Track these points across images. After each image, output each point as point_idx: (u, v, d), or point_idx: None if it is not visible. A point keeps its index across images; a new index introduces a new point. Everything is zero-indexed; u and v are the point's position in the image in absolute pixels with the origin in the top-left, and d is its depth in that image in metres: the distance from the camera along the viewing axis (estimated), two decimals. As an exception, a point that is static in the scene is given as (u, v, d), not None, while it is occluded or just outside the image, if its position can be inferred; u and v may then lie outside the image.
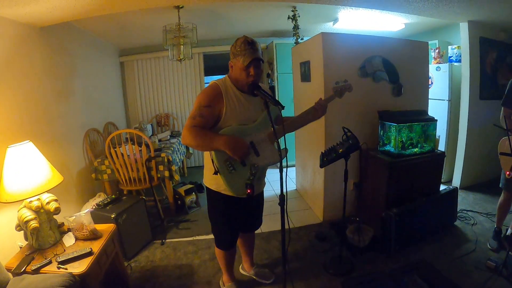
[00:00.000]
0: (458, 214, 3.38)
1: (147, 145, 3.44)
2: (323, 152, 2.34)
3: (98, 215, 2.56)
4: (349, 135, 2.23)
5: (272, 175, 2.70)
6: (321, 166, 2.31)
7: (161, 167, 3.53)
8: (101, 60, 4.58)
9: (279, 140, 1.70)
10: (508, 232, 2.87)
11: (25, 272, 1.71)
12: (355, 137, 2.22)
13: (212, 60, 6.48)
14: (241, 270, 2.59)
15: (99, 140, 4.07)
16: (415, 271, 1.61)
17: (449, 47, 4.42)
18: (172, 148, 3.89)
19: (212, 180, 1.91)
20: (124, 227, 2.68)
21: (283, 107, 1.70)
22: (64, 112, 3.28)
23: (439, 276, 1.56)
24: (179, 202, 3.83)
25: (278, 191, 1.65)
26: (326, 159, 2.27)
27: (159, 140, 4.28)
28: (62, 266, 1.76)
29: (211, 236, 3.11)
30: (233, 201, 1.92)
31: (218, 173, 1.74)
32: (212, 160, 1.74)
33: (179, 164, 4.14)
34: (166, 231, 3.29)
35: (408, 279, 1.56)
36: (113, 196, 2.92)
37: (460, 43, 4.14)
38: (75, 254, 1.84)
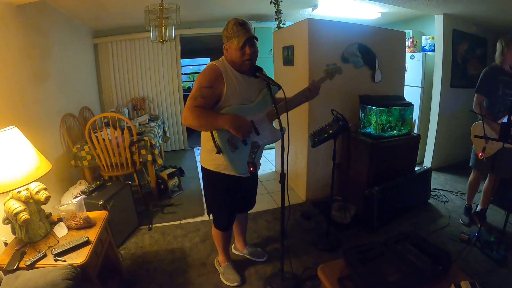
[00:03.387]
0: (431, 193, 3.64)
1: (128, 129, 3.37)
2: (313, 133, 2.42)
3: (84, 203, 2.49)
4: (339, 116, 2.33)
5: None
6: (313, 146, 2.40)
7: (143, 151, 3.47)
8: (74, 42, 4.37)
9: (279, 119, 1.76)
10: (478, 209, 3.14)
11: (18, 268, 1.58)
12: (345, 119, 2.32)
13: (188, 43, 6.36)
14: (233, 250, 2.64)
15: (75, 125, 3.93)
16: (406, 240, 1.74)
17: (423, 37, 4.64)
18: (154, 132, 3.84)
19: (211, 161, 1.92)
20: (112, 214, 2.60)
21: (280, 87, 1.77)
22: (40, 96, 3.11)
23: (427, 242, 1.71)
24: (162, 186, 3.80)
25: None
26: (317, 139, 2.35)
27: (139, 124, 4.21)
28: (59, 258, 1.64)
29: (199, 219, 3.18)
30: (232, 181, 1.96)
31: (221, 153, 1.77)
32: (214, 140, 1.77)
33: (159, 148, 4.11)
34: (152, 216, 3.26)
35: (401, 246, 1.68)
36: (98, 183, 2.80)
37: (433, 33, 4.38)
38: (72, 245, 1.73)
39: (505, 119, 2.44)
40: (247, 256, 2.56)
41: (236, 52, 1.74)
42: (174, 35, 3.74)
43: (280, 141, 1.76)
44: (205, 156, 1.97)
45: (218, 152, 1.78)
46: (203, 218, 3.20)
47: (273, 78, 4.20)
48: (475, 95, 2.83)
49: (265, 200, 3.60)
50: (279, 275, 2.17)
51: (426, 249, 1.65)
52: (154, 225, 3.09)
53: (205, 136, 1.92)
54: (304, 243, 2.76)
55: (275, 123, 1.90)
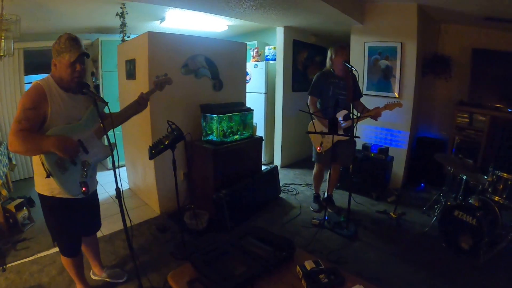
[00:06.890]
0: (282, 188, 4.08)
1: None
2: (151, 145, 2.50)
3: None
4: (174, 127, 2.45)
5: (103, 177, 2.67)
6: (150, 158, 2.48)
7: (-17, 184, 3.03)
8: None
9: (107, 135, 1.80)
10: (325, 195, 3.64)
11: None
12: (179, 129, 2.46)
13: (34, 57, 5.70)
14: (92, 276, 2.54)
15: None
16: (249, 235, 1.93)
17: (266, 47, 5.17)
18: (-6, 161, 3.36)
19: (45, 186, 1.85)
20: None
21: (106, 103, 1.82)
22: None
23: (270, 234, 1.93)
24: (10, 220, 3.39)
25: (112, 192, 1.72)
26: (154, 151, 2.44)
27: (-22, 154, 3.62)
28: None
29: (53, 250, 2.97)
30: (69, 204, 1.90)
31: (51, 176, 1.71)
32: (43, 163, 1.71)
33: (3, 178, 3.61)
34: (4, 255, 2.91)
35: (244, 242, 1.86)
36: None
37: (276, 44, 4.90)
38: None
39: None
40: (107, 279, 2.49)
41: (66, 68, 1.73)
42: (13, 49, 3.37)
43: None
44: (39, 181, 1.88)
45: (48, 176, 1.72)
46: (58, 248, 2.94)
47: (118, 93, 4.13)
48: (308, 97, 3.28)
49: (119, 219, 3.45)
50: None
51: (268, 240, 1.87)
52: (8, 265, 2.75)
53: (35, 160, 1.84)
54: (163, 255, 2.80)
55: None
